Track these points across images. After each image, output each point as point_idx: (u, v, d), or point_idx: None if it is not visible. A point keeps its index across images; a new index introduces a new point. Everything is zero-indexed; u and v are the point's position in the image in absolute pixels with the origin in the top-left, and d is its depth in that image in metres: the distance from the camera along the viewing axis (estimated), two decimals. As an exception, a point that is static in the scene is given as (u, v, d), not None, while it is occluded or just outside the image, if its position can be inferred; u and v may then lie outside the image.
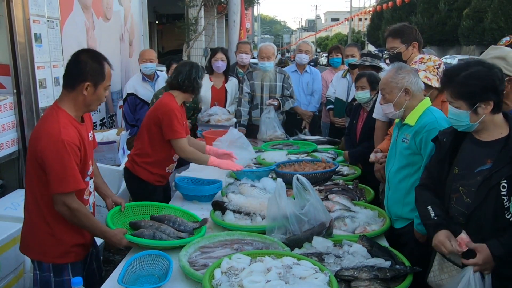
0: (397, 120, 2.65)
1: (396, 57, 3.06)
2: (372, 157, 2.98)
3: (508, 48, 2.43)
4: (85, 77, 2.15)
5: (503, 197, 1.84)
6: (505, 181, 1.83)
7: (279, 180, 2.34)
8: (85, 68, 2.16)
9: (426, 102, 2.51)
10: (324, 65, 28.64)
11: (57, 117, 2.12)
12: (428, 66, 2.76)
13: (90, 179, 2.35)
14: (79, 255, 2.31)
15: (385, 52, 3.51)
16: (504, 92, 2.33)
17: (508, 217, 1.84)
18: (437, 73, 2.76)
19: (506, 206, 1.84)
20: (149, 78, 4.69)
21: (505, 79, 2.32)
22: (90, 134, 2.35)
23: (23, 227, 2.30)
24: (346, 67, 4.91)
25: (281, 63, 12.53)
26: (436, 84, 2.75)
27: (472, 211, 1.90)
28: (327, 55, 6.27)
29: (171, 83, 3.18)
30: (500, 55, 2.36)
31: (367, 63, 4.14)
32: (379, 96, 3.46)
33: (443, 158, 2.09)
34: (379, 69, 4.07)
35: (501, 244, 1.78)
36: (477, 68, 1.92)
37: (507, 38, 3.10)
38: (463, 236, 1.87)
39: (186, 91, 3.16)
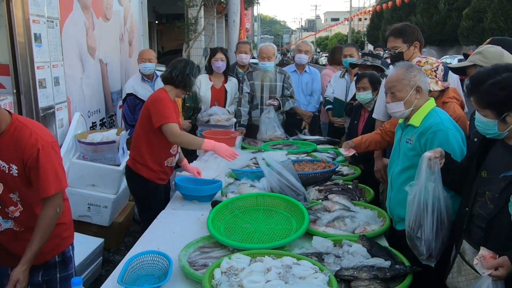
0: (400, 121, 2.60)
1: (397, 57, 3.04)
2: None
3: (488, 45, 2.47)
4: None
5: None
6: None
7: None
8: None
9: (431, 103, 2.46)
10: (324, 65, 28.66)
11: None
12: (425, 70, 2.73)
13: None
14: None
15: (386, 51, 3.51)
16: None
17: None
18: (435, 76, 2.75)
19: None
20: (148, 78, 4.67)
21: None
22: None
23: None
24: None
25: (283, 64, 12.48)
26: (435, 87, 2.73)
27: (492, 218, 1.84)
28: (327, 55, 6.26)
29: (165, 77, 3.21)
30: (478, 50, 2.39)
31: (368, 63, 4.14)
32: (379, 96, 3.45)
33: (471, 158, 2.03)
34: (380, 69, 4.08)
35: None
36: (504, 76, 1.79)
37: None
38: (485, 253, 1.78)
39: (178, 86, 3.18)
